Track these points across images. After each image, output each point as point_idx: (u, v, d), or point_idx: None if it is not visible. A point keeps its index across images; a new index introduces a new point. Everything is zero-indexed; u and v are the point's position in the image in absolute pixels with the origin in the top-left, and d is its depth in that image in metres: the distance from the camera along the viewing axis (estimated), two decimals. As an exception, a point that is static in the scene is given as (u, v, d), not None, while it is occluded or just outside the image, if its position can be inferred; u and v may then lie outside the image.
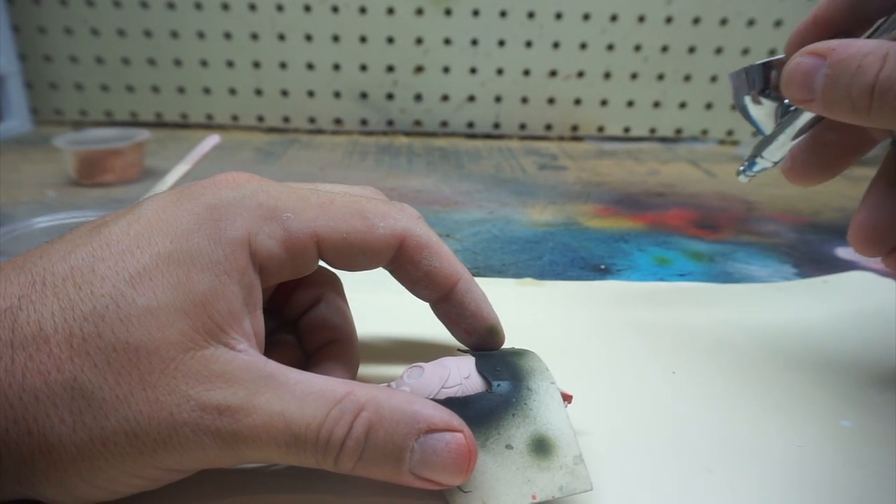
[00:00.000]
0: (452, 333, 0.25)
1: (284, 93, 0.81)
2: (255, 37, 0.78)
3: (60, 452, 0.17)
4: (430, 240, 0.23)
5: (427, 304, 0.25)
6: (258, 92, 0.81)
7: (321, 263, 0.23)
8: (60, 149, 0.56)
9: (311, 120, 0.82)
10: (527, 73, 0.80)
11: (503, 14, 0.77)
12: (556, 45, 0.79)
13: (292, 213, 0.21)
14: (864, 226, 0.25)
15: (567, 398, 0.22)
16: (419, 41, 0.78)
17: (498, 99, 0.81)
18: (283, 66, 0.79)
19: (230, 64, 0.79)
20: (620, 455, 0.23)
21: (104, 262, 0.19)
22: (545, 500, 0.19)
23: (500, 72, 0.80)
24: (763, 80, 0.27)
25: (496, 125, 0.83)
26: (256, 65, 0.79)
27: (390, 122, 0.82)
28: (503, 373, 0.22)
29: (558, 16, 0.78)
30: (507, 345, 0.25)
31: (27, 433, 0.17)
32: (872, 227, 0.25)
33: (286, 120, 0.82)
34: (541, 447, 0.20)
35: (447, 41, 0.78)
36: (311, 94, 0.81)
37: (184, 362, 0.18)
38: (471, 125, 0.82)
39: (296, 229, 0.21)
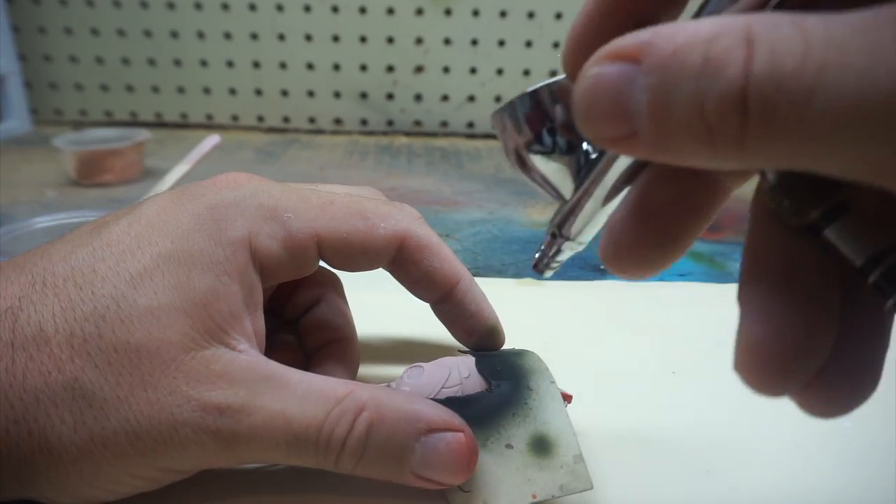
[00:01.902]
0: (452, 334, 0.25)
1: (284, 93, 0.81)
2: (255, 37, 0.78)
3: (61, 453, 0.17)
4: (431, 240, 0.23)
5: (427, 305, 0.25)
6: (258, 92, 0.80)
7: (321, 263, 0.23)
8: (60, 149, 0.56)
9: (311, 120, 0.82)
10: (527, 73, 0.80)
11: (503, 14, 0.77)
12: (556, 45, 0.79)
13: (293, 213, 0.21)
14: (762, 347, 0.14)
15: (567, 398, 0.22)
16: (419, 41, 0.78)
17: (498, 99, 0.81)
18: (282, 66, 0.79)
19: (230, 64, 0.79)
20: (620, 455, 0.23)
21: (105, 263, 0.19)
22: (545, 500, 0.19)
23: (500, 72, 0.80)
24: (542, 115, 0.17)
25: (496, 125, 0.83)
26: (256, 65, 0.79)
27: (390, 122, 0.82)
28: (503, 372, 0.22)
29: (558, 16, 0.78)
30: (507, 345, 0.25)
31: (27, 433, 0.17)
32: (777, 348, 0.14)
33: (286, 120, 0.82)
34: (541, 446, 0.20)
35: (447, 41, 0.78)
36: (310, 94, 0.81)
37: (184, 362, 0.18)
38: (471, 125, 0.82)
39: (296, 229, 0.21)
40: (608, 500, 0.21)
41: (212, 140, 0.52)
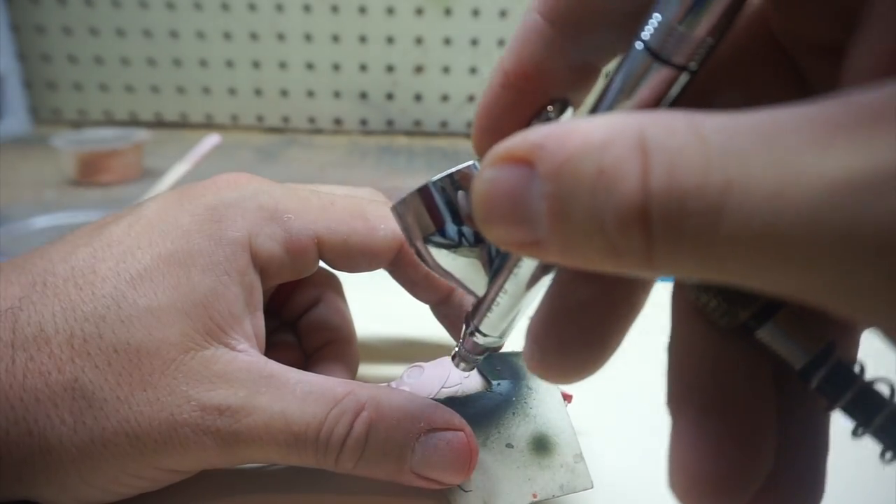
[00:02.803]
0: (452, 336, 0.25)
1: (284, 93, 0.80)
2: (254, 37, 0.78)
3: (61, 453, 0.17)
4: (431, 240, 0.23)
5: (427, 305, 0.25)
6: (258, 92, 0.80)
7: (321, 264, 0.23)
8: (59, 149, 0.56)
9: (311, 120, 0.82)
10: (526, 72, 0.80)
11: (503, 14, 0.77)
12: (555, 45, 0.79)
13: (293, 214, 0.21)
14: (698, 472, 0.13)
15: (567, 398, 0.22)
16: (419, 41, 0.78)
17: (497, 99, 0.81)
18: (282, 65, 0.79)
19: (230, 64, 0.79)
20: (620, 455, 0.23)
21: (105, 263, 0.19)
22: (546, 499, 0.20)
23: (499, 72, 0.80)
24: (445, 206, 0.16)
25: (496, 125, 0.83)
26: (256, 65, 0.79)
27: (390, 123, 0.82)
28: (503, 372, 0.22)
29: (558, 16, 0.78)
30: (507, 347, 0.25)
31: (28, 434, 0.17)
32: (713, 473, 0.13)
33: (286, 120, 0.82)
34: (541, 446, 0.20)
35: (447, 41, 0.78)
36: (310, 94, 0.81)
37: (184, 363, 0.18)
38: (470, 125, 0.82)
39: (296, 230, 0.21)
40: (608, 500, 0.21)
41: (211, 140, 0.52)
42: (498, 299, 0.16)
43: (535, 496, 0.19)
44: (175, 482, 0.19)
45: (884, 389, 0.12)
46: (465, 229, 0.16)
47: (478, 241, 0.16)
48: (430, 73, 0.80)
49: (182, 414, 0.18)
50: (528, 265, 0.15)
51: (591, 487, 0.20)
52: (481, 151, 0.15)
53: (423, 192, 0.15)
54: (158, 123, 0.81)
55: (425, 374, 0.22)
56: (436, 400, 0.20)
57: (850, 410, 0.12)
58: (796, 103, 0.09)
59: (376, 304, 0.31)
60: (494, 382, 0.22)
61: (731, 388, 0.13)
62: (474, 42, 0.79)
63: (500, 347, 0.18)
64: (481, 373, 0.22)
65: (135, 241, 0.19)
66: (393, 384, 0.22)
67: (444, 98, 0.81)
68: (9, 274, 0.19)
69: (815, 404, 0.14)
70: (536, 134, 0.10)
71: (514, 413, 0.21)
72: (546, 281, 0.16)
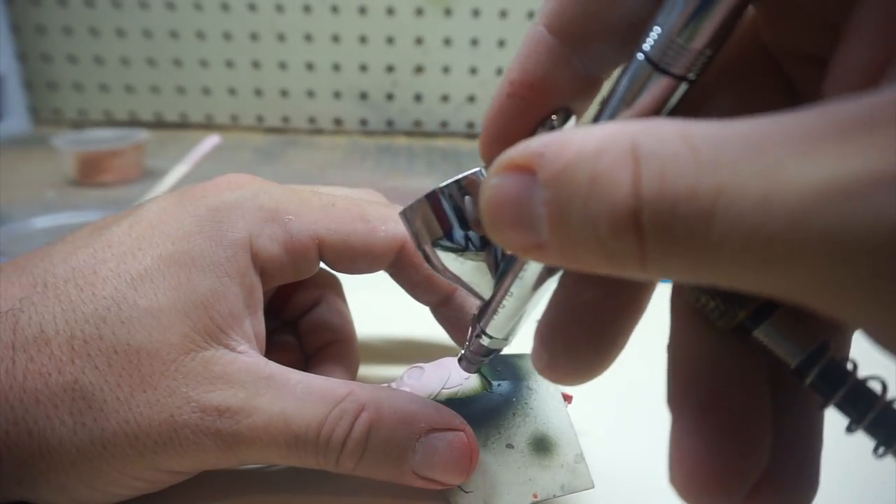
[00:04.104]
0: (452, 337, 0.25)
1: (284, 93, 0.80)
2: (254, 37, 0.78)
3: (61, 454, 0.17)
4: (431, 242, 0.23)
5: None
6: (258, 92, 0.80)
7: (321, 265, 0.23)
8: (60, 149, 0.56)
9: (311, 120, 0.82)
10: (526, 73, 0.80)
11: (503, 14, 0.77)
12: (555, 45, 0.79)
13: (294, 215, 0.21)
14: (698, 466, 0.13)
15: (567, 398, 0.22)
16: (419, 41, 0.78)
17: (497, 99, 0.81)
18: (282, 66, 0.79)
19: (230, 64, 0.79)
20: (620, 455, 0.23)
21: (106, 264, 0.19)
22: (546, 499, 0.20)
23: (499, 72, 0.80)
24: (453, 211, 0.16)
25: (496, 125, 0.83)
26: (256, 65, 0.79)
27: (390, 123, 0.82)
28: (504, 373, 0.22)
29: (558, 16, 0.77)
30: (507, 348, 0.25)
31: (27, 435, 0.17)
32: (713, 467, 0.13)
33: (286, 120, 0.82)
34: (542, 446, 0.20)
35: (447, 41, 0.78)
36: (310, 94, 0.81)
37: (184, 364, 0.18)
38: (471, 125, 0.82)
39: (297, 231, 0.21)
40: (609, 500, 0.21)
41: (211, 140, 0.52)
42: (504, 302, 0.16)
43: (535, 496, 0.19)
44: (175, 483, 0.19)
45: (876, 386, 0.13)
46: (472, 234, 0.16)
47: (484, 245, 0.16)
48: (430, 73, 0.80)
49: (182, 415, 0.18)
50: (532, 269, 0.16)
51: (592, 487, 0.20)
52: (489, 159, 0.15)
53: (431, 198, 0.16)
54: (158, 123, 0.81)
55: (425, 375, 0.22)
56: (436, 400, 0.20)
57: (843, 407, 0.13)
58: (781, 113, 0.09)
59: (376, 305, 0.31)
60: (495, 383, 0.22)
61: (728, 387, 0.14)
62: (474, 42, 0.79)
63: (502, 349, 0.19)
64: (482, 373, 0.22)
65: (135, 242, 0.19)
66: (393, 385, 0.22)
67: (444, 98, 0.81)
68: (9, 275, 0.19)
69: (808, 402, 0.14)
70: (537, 143, 0.11)
71: (514, 413, 0.21)
72: (550, 284, 0.16)
